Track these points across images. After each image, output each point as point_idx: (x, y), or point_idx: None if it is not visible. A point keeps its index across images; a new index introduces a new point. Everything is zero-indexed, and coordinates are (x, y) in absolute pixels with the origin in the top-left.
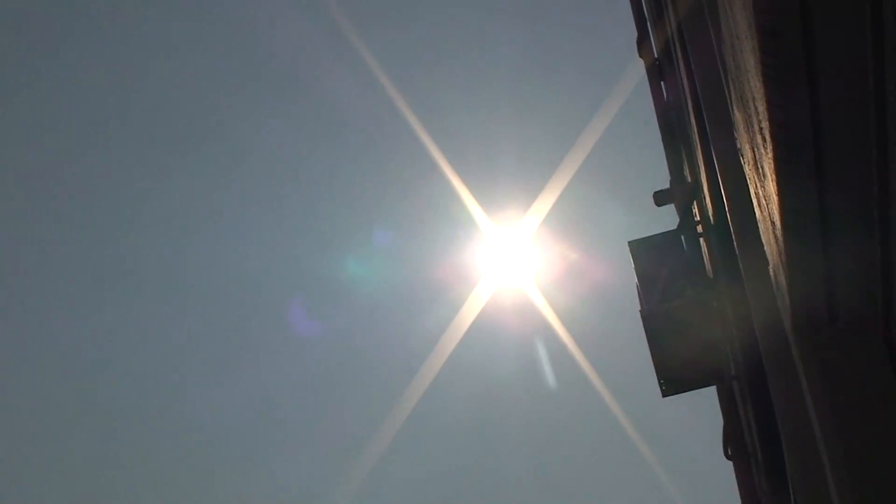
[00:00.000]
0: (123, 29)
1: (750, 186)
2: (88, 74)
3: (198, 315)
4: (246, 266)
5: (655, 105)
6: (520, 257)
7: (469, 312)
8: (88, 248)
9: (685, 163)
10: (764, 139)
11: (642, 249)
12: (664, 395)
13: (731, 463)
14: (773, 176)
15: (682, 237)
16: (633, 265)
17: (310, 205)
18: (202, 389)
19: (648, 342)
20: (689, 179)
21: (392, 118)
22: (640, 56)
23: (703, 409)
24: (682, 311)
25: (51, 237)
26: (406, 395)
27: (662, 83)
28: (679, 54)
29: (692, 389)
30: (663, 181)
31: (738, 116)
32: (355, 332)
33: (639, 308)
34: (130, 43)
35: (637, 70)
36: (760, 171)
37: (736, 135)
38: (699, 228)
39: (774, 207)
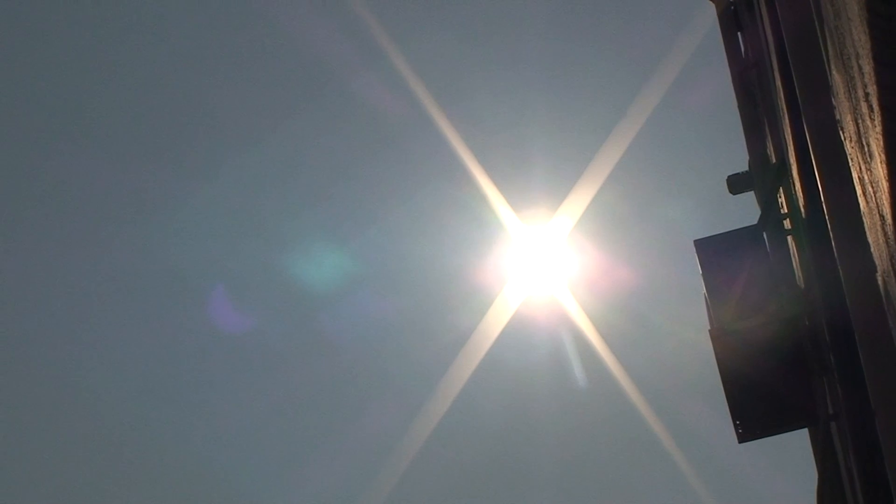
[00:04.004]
0: (141, 27)
1: (852, 169)
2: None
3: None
4: (248, 267)
5: (730, 63)
6: (552, 260)
7: (495, 322)
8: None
9: (768, 138)
10: (870, 108)
11: (712, 250)
12: (741, 441)
13: None
14: (883, 156)
15: (765, 234)
16: (699, 271)
17: (322, 200)
18: (212, 397)
19: (720, 371)
20: (774, 160)
21: (406, 102)
22: None
23: (790, 454)
24: (765, 330)
25: None
26: (427, 407)
27: (740, 35)
28: None
29: (777, 433)
30: (740, 163)
31: (836, 78)
32: (374, 337)
33: (707, 327)
34: (138, 41)
35: (707, 17)
36: (866, 148)
37: (834, 102)
38: (786, 223)
39: (884, 196)
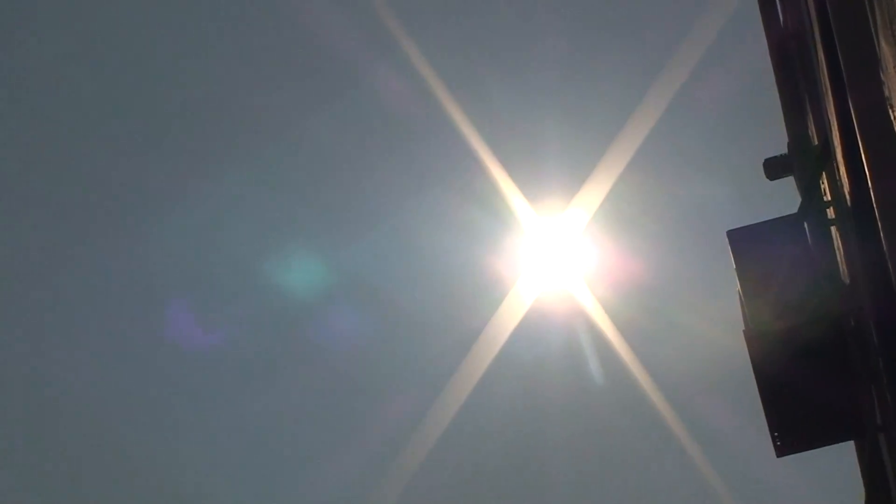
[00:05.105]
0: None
1: None
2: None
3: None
4: (255, 267)
5: (767, 35)
6: (568, 253)
7: (508, 318)
8: None
9: (810, 117)
10: None
11: (747, 242)
12: (780, 455)
13: None
14: None
15: (806, 224)
16: (732, 264)
17: (332, 194)
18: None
19: (756, 376)
20: (816, 141)
21: (416, 90)
22: None
23: (832, 467)
24: (806, 331)
25: None
26: (437, 407)
27: (778, 2)
28: None
29: (820, 446)
30: (778, 146)
31: (885, 50)
32: (379, 335)
33: (741, 327)
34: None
35: None
36: None
37: (883, 77)
38: (830, 212)
39: None
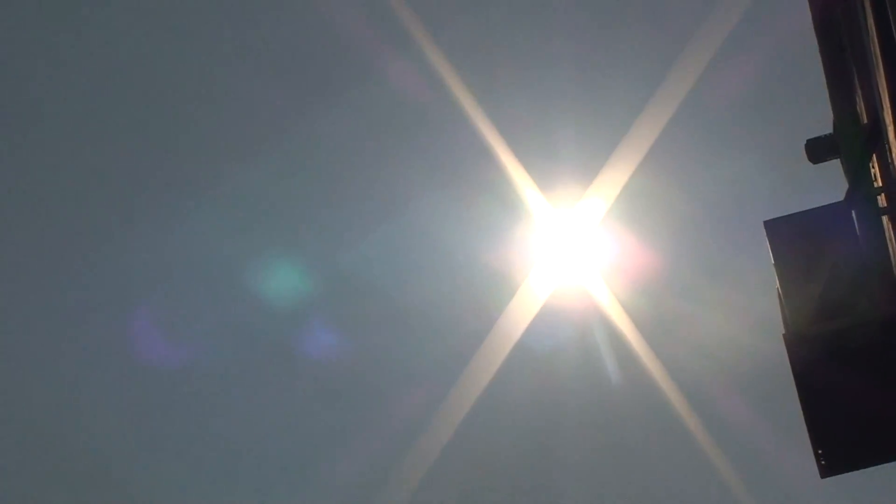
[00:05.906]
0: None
1: None
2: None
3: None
4: (271, 262)
5: (811, 2)
6: (584, 247)
7: (520, 315)
8: None
9: (858, 93)
10: None
11: (787, 234)
12: (825, 475)
13: None
14: None
15: (854, 213)
16: (770, 258)
17: (342, 187)
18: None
19: (798, 386)
20: (865, 120)
21: (426, 78)
22: None
23: (881, 487)
24: (854, 335)
25: None
26: (448, 405)
27: None
28: None
29: (870, 465)
30: (822, 125)
31: None
32: (383, 331)
33: (780, 329)
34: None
35: None
36: None
37: None
38: (881, 200)
39: None
